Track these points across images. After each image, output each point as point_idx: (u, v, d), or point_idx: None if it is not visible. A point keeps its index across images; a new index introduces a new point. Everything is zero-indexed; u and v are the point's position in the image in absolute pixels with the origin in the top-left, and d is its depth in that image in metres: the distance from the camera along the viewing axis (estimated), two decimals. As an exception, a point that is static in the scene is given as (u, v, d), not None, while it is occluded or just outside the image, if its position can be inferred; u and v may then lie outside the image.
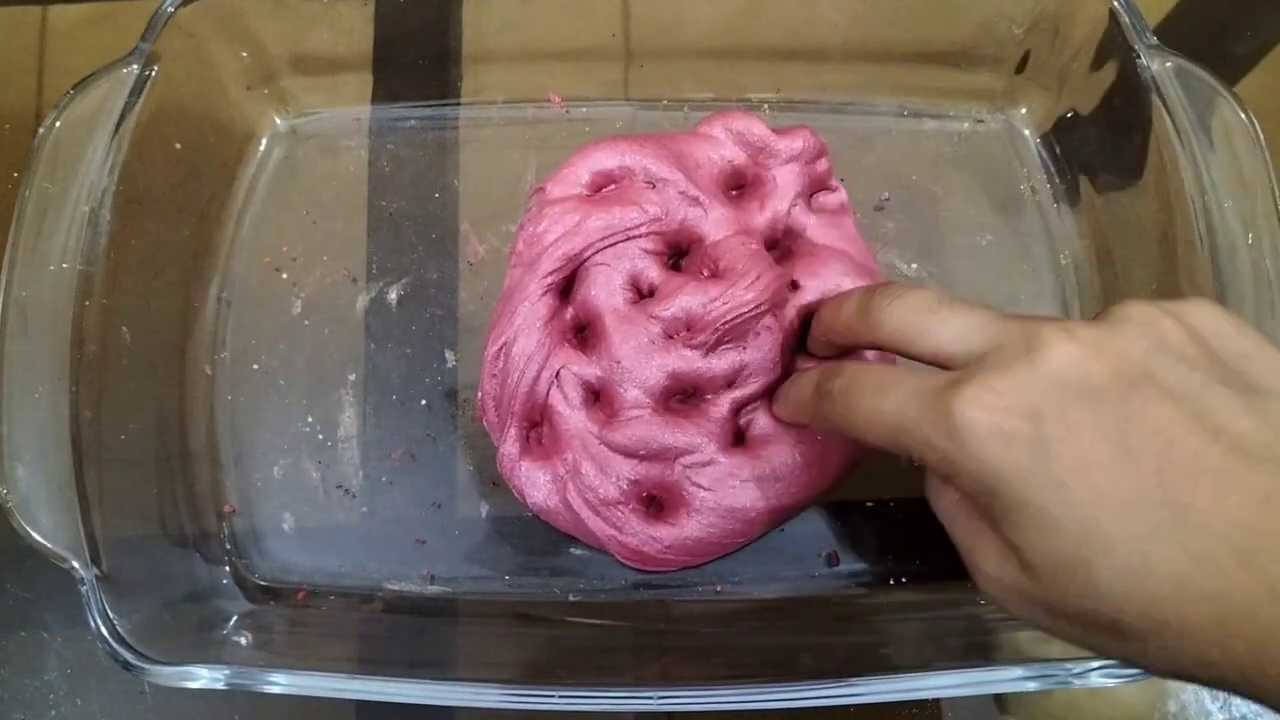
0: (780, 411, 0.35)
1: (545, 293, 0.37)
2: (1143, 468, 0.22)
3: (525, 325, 0.37)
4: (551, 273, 0.37)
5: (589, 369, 0.36)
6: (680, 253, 0.38)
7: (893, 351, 0.29)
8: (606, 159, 0.38)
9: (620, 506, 0.36)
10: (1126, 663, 0.24)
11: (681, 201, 0.38)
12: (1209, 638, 0.21)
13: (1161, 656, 0.23)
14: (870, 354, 0.36)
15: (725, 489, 0.36)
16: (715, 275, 0.36)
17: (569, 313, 0.37)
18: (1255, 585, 0.21)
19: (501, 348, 0.37)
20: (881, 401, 0.27)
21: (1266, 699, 0.22)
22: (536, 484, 0.36)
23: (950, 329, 0.27)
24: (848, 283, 0.37)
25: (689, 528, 0.36)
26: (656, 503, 0.37)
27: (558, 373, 0.37)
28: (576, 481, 0.36)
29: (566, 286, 0.38)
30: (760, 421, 0.36)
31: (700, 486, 0.36)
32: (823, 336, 0.33)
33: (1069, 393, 0.23)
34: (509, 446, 0.36)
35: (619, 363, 0.36)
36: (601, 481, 0.36)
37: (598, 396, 0.37)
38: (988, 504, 0.24)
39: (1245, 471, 0.22)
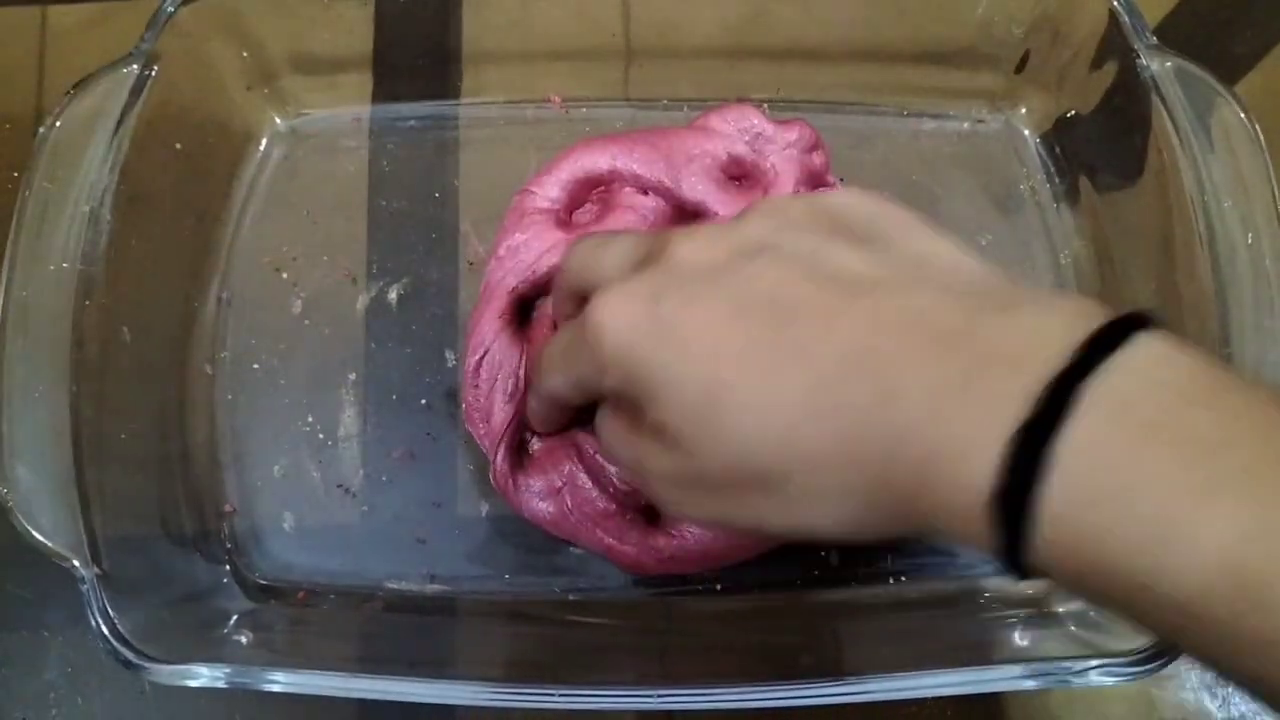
0: (532, 418, 0.36)
1: (524, 304, 0.37)
2: (756, 319, 0.23)
3: (506, 337, 0.37)
4: (532, 285, 0.37)
5: None
6: None
7: (584, 296, 0.30)
8: (595, 160, 0.38)
9: (618, 516, 0.35)
10: (797, 530, 0.24)
11: (672, 214, 0.38)
12: (841, 459, 0.22)
13: (817, 502, 0.23)
14: None
15: None
16: None
17: (551, 320, 0.37)
18: (870, 393, 0.21)
19: (482, 358, 0.37)
20: (554, 353, 0.29)
21: (921, 525, 0.22)
22: (531, 497, 0.36)
23: (610, 258, 0.28)
24: None
25: (690, 537, 0.35)
26: (655, 511, 0.36)
27: None
28: (573, 493, 0.35)
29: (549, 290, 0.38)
30: None
31: None
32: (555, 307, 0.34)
33: (688, 276, 0.24)
34: (500, 462, 0.36)
35: None
36: (598, 492, 0.35)
37: None
38: (630, 395, 0.25)
39: (853, 301, 0.22)
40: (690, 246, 0.25)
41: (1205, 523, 0.17)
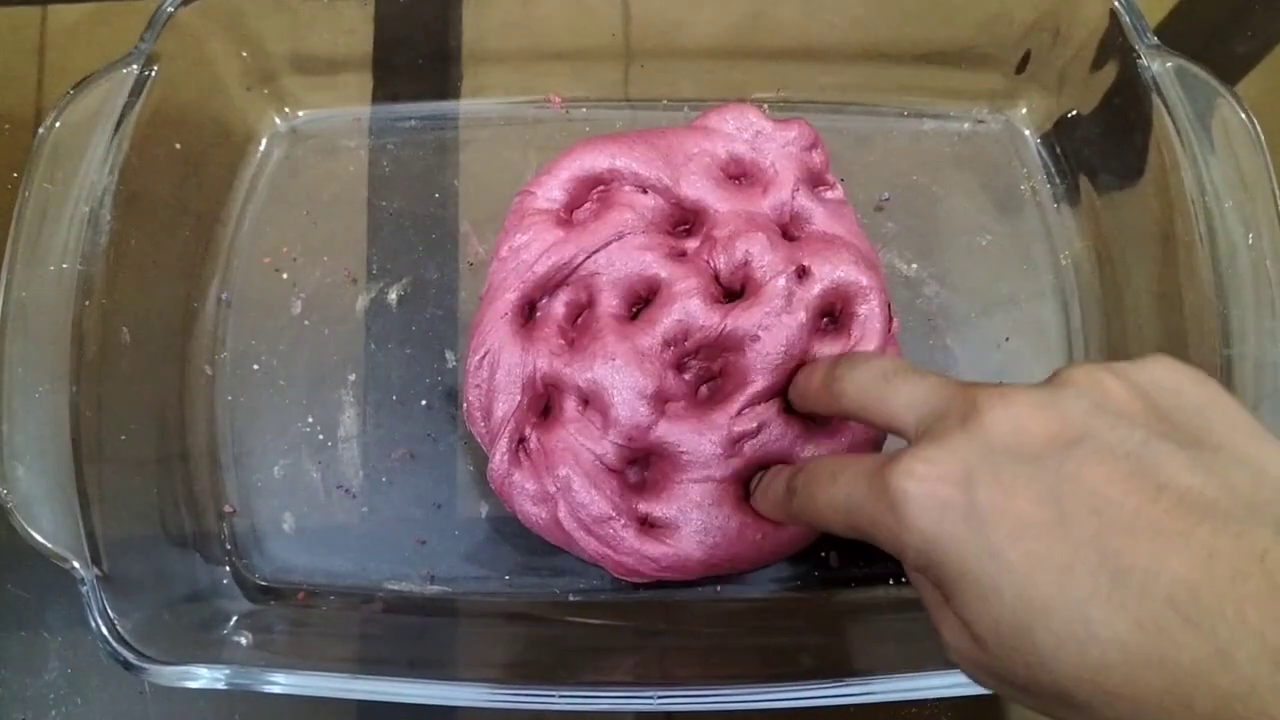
0: (761, 508, 0.35)
1: (527, 303, 0.37)
2: (1079, 530, 0.21)
3: (509, 336, 0.36)
4: (534, 285, 0.37)
5: (578, 376, 0.36)
6: (684, 227, 0.39)
7: (858, 422, 0.29)
8: (594, 160, 0.38)
9: (613, 522, 0.35)
10: None
11: (671, 212, 0.38)
12: (1162, 706, 0.20)
13: None
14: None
15: (724, 506, 0.36)
16: (713, 245, 0.36)
17: (555, 319, 0.37)
18: (1203, 648, 0.20)
19: (484, 357, 0.36)
20: (833, 488, 0.27)
21: None
22: (527, 500, 0.36)
23: (900, 398, 0.27)
24: (855, 273, 0.37)
25: (686, 547, 0.35)
26: (649, 519, 0.36)
27: (545, 385, 0.37)
28: (568, 498, 0.35)
29: (554, 292, 0.38)
30: (763, 439, 0.36)
31: (694, 502, 0.35)
32: (799, 401, 0.34)
33: (1003, 457, 0.23)
34: (499, 462, 0.36)
35: (611, 370, 0.35)
36: (593, 498, 0.35)
37: (587, 403, 0.36)
38: (935, 577, 0.24)
39: (1188, 529, 0.20)
40: (1003, 418, 0.23)
41: None
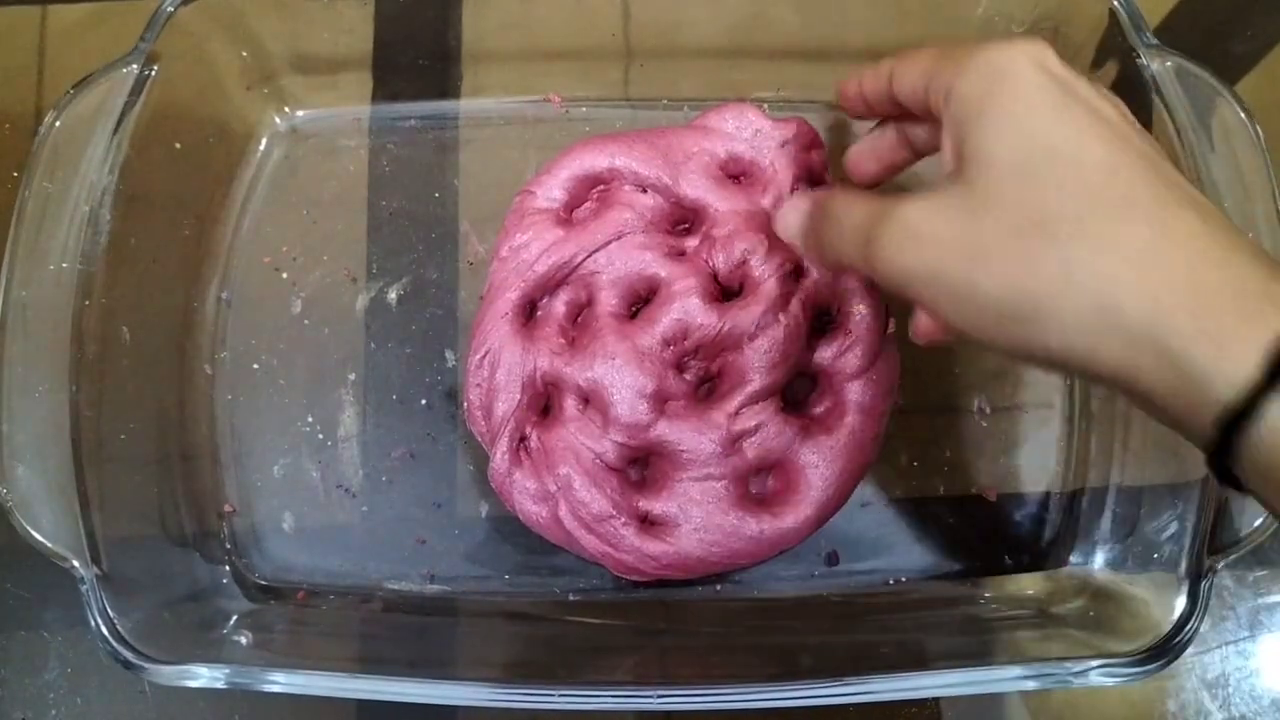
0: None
1: (527, 302, 0.37)
2: (1130, 159, 0.24)
3: (509, 335, 0.36)
4: (535, 284, 0.37)
5: (578, 375, 0.36)
6: (683, 226, 0.39)
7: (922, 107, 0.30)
8: (594, 160, 0.38)
9: (613, 520, 0.35)
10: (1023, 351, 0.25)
11: (671, 211, 0.38)
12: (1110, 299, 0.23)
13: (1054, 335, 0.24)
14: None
15: (724, 504, 0.36)
16: (712, 244, 0.36)
17: (555, 319, 0.37)
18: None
19: (484, 356, 0.36)
20: (915, 62, 0.29)
21: (1123, 371, 0.23)
22: (527, 499, 0.36)
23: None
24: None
25: (686, 545, 0.35)
26: (650, 518, 0.36)
27: (545, 383, 0.37)
28: (568, 497, 0.35)
29: (554, 291, 0.38)
30: (761, 437, 0.36)
31: (693, 500, 0.36)
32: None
33: (1050, 74, 0.26)
34: (499, 461, 0.36)
35: (611, 369, 0.35)
36: (593, 496, 0.35)
37: (587, 402, 0.36)
38: (974, 106, 0.26)
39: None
40: (1030, 46, 0.27)
41: None
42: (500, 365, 0.36)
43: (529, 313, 0.38)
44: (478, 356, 0.37)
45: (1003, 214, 0.24)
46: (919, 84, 0.28)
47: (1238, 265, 0.23)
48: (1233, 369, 0.21)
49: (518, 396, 0.36)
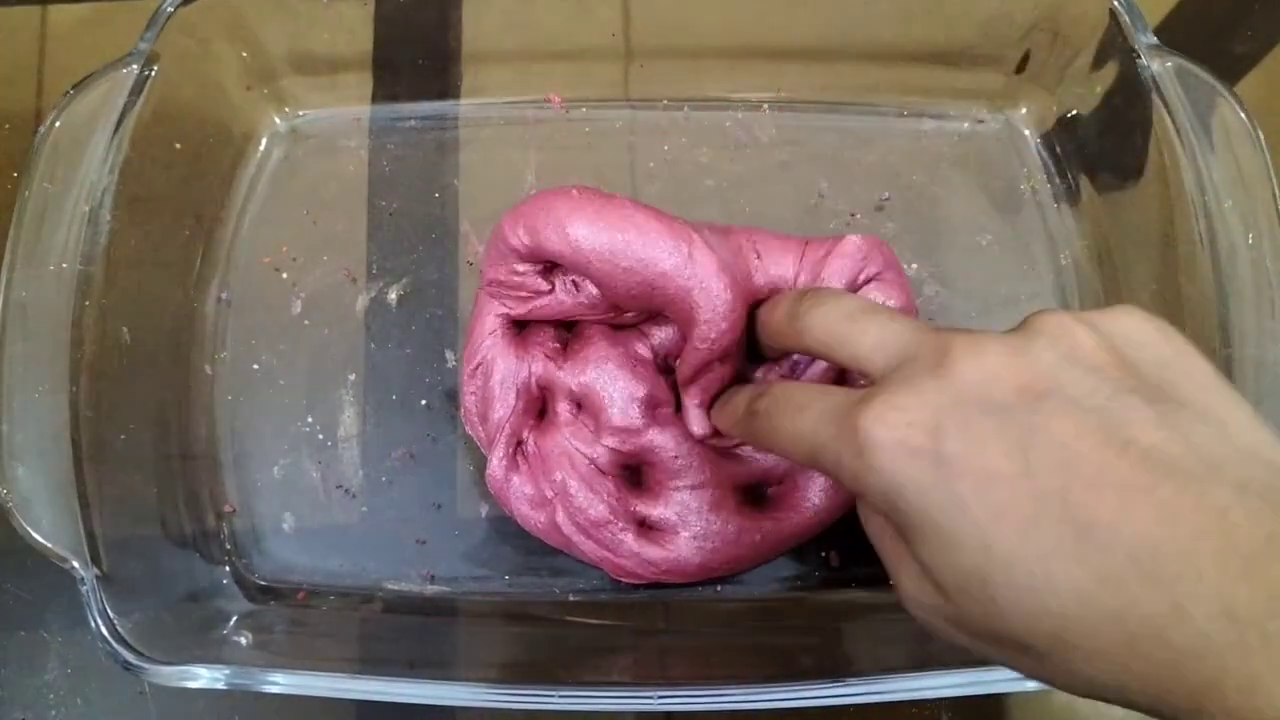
0: (719, 423, 0.34)
1: (519, 309, 0.37)
2: (1045, 483, 0.21)
3: (501, 344, 0.36)
4: (525, 295, 0.37)
5: (570, 380, 0.36)
6: None
7: (820, 358, 0.29)
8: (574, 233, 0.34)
9: (611, 525, 0.35)
10: (1048, 683, 0.23)
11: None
12: (1118, 659, 0.21)
13: (1076, 678, 0.22)
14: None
15: (722, 511, 0.35)
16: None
17: (548, 325, 0.37)
18: (1161, 604, 0.20)
19: (477, 366, 0.36)
20: (799, 420, 0.27)
21: (1166, 714, 0.21)
22: (525, 504, 0.36)
23: (869, 339, 0.27)
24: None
25: (684, 551, 0.35)
26: (648, 522, 0.36)
27: (540, 387, 0.36)
28: (565, 502, 0.35)
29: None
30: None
31: (690, 507, 0.35)
32: (764, 337, 0.33)
33: (973, 407, 0.23)
34: (496, 467, 0.36)
35: (603, 374, 0.35)
36: (590, 501, 0.35)
37: (580, 407, 0.36)
38: (898, 522, 0.24)
39: (1151, 486, 0.20)
40: (974, 367, 0.23)
41: None
42: (494, 373, 0.36)
43: (520, 323, 0.38)
44: (470, 366, 0.37)
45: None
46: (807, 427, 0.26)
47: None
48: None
49: (513, 402, 0.36)
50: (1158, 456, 0.21)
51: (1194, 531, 0.20)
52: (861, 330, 0.27)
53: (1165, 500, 0.20)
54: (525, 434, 0.37)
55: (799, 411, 0.27)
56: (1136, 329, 0.24)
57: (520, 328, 0.38)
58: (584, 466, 0.35)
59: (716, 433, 0.34)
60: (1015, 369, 0.23)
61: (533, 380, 0.36)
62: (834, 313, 0.28)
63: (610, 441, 0.35)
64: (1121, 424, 0.22)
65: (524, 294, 0.36)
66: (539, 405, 0.37)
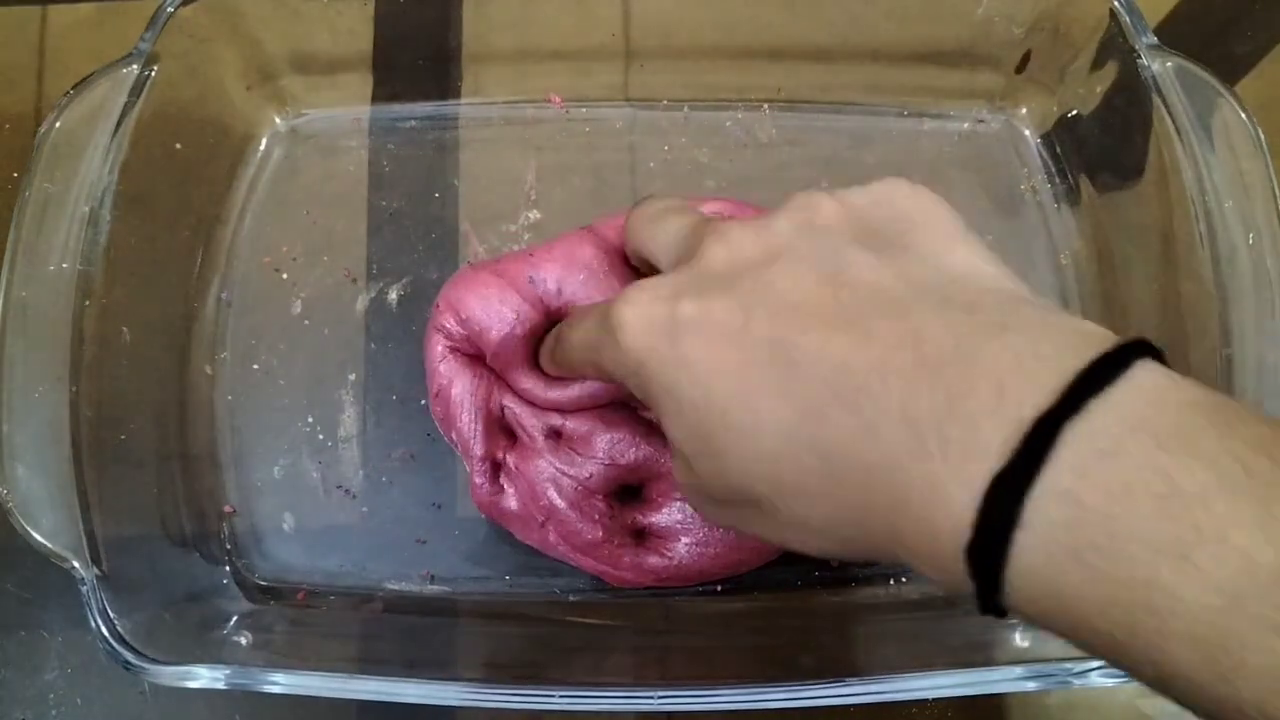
0: (546, 368, 0.35)
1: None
2: (760, 330, 0.22)
3: (455, 369, 0.36)
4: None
5: (547, 419, 0.35)
6: None
7: (642, 259, 0.30)
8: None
9: (607, 545, 0.35)
10: (786, 546, 0.24)
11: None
12: (825, 492, 0.21)
13: (802, 527, 0.22)
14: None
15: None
16: None
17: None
18: (851, 423, 0.20)
19: (436, 394, 0.36)
20: (578, 328, 0.29)
21: (896, 561, 0.21)
22: (516, 522, 0.36)
23: (660, 238, 0.28)
24: None
25: (684, 559, 0.35)
26: (643, 532, 0.36)
27: (504, 408, 0.36)
28: (557, 526, 0.35)
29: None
30: None
31: (689, 513, 0.35)
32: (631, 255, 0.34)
33: (709, 279, 0.24)
34: (478, 491, 0.36)
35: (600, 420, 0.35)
36: (584, 525, 0.35)
37: (560, 435, 0.36)
38: (644, 396, 0.25)
39: (856, 316, 0.21)
40: (719, 245, 0.24)
41: (1184, 590, 0.16)
42: (451, 400, 0.36)
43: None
44: (434, 393, 0.36)
45: None
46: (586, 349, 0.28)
47: None
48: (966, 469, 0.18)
49: (475, 425, 0.36)
50: (866, 290, 0.21)
51: (884, 349, 0.20)
52: (657, 229, 0.28)
53: (867, 326, 0.21)
54: (501, 455, 0.36)
55: (580, 319, 0.29)
56: (885, 190, 0.25)
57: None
58: (570, 490, 0.35)
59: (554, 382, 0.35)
60: (753, 242, 0.24)
61: (493, 403, 0.36)
62: (643, 213, 0.30)
63: (602, 460, 0.35)
64: (839, 269, 0.22)
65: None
66: (506, 424, 0.36)
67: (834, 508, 0.21)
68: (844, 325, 0.21)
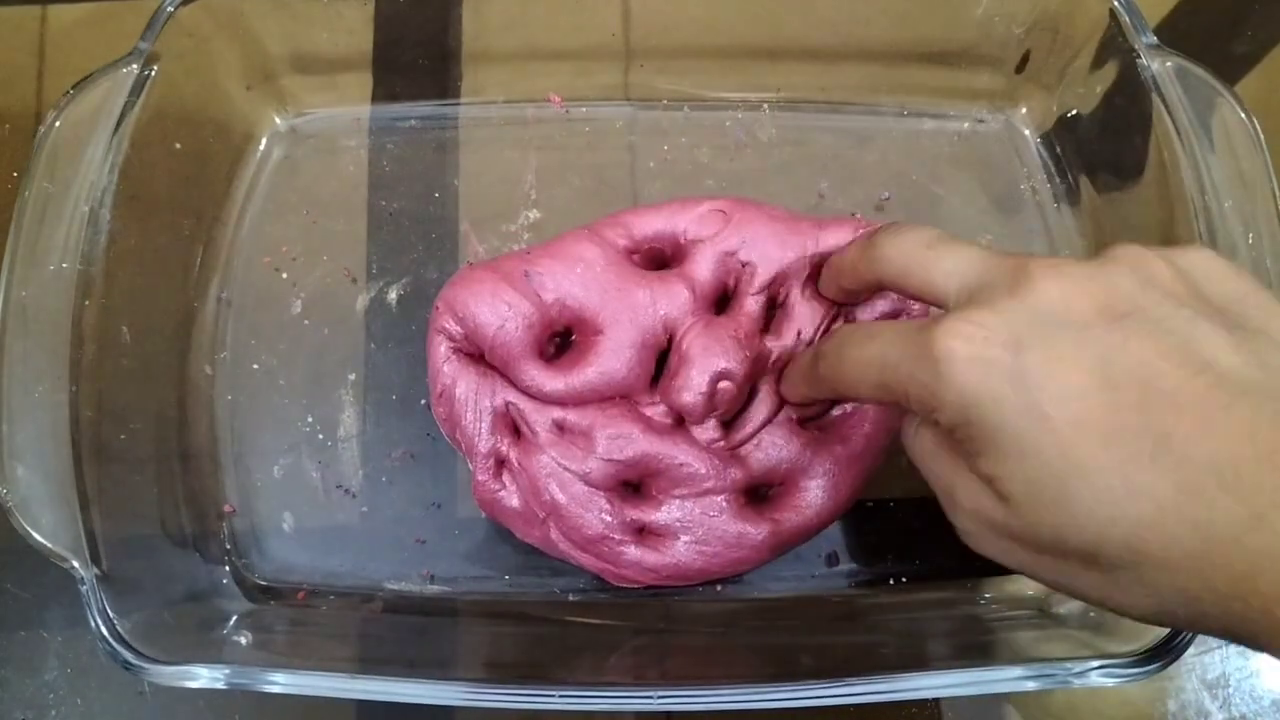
0: (787, 391, 0.35)
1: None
2: (1124, 397, 0.22)
3: (461, 368, 0.36)
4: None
5: (550, 411, 0.35)
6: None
7: (894, 290, 0.29)
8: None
9: (609, 540, 0.35)
10: (1103, 605, 0.24)
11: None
12: (1190, 567, 0.21)
13: (1141, 591, 0.23)
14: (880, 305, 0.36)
15: (725, 516, 0.35)
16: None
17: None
18: (1239, 512, 0.21)
19: (440, 394, 0.36)
20: (868, 346, 0.27)
21: (1244, 634, 0.21)
22: (517, 520, 0.36)
23: (944, 265, 0.27)
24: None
25: (685, 557, 0.35)
26: (644, 529, 0.36)
27: (507, 405, 0.36)
28: (558, 521, 0.35)
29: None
30: (765, 447, 0.36)
31: (691, 512, 0.35)
32: (832, 282, 0.34)
33: (1052, 325, 0.23)
34: (481, 488, 0.36)
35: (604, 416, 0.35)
36: (585, 520, 0.35)
37: (563, 429, 0.36)
38: (966, 436, 0.24)
39: (1229, 403, 0.21)
40: (1054, 288, 0.24)
41: None
42: (455, 399, 0.36)
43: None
44: (436, 394, 0.36)
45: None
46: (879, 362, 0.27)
47: None
48: None
49: (482, 425, 0.36)
50: (1234, 378, 0.22)
51: (1271, 448, 0.21)
52: (938, 256, 0.27)
53: (1242, 418, 0.21)
54: (505, 450, 0.36)
55: (869, 339, 0.27)
56: (1208, 264, 0.25)
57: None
58: (573, 485, 0.35)
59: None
60: (1094, 290, 0.24)
61: (499, 401, 0.36)
62: (910, 241, 0.29)
63: (603, 457, 0.35)
64: (1199, 346, 0.22)
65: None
66: (510, 421, 0.36)
67: (1195, 583, 0.22)
68: (1218, 412, 0.21)
